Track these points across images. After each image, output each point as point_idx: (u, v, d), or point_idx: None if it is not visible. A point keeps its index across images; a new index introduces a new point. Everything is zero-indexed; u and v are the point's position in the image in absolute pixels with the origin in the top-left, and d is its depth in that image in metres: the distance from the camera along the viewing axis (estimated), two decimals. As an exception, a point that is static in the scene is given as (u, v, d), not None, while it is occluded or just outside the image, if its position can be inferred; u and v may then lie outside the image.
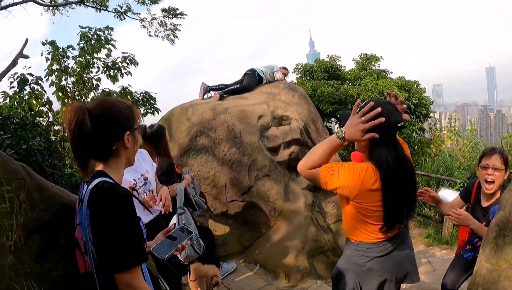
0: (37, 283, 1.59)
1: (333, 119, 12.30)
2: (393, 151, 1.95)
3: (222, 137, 5.49)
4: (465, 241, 3.03)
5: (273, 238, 5.14)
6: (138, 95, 8.74)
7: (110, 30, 8.43)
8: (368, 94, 10.73)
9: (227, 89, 6.35)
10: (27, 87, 7.45)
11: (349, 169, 1.92)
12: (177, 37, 12.20)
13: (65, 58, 7.97)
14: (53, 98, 8.03)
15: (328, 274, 4.79)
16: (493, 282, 1.76)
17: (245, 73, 6.69)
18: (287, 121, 6.04)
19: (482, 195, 2.90)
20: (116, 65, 8.27)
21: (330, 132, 13.26)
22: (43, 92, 7.64)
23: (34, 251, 1.63)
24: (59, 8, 11.52)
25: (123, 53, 8.42)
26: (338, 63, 12.86)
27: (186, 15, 11.87)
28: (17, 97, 7.39)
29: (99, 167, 1.62)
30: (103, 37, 8.19)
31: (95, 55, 8.20)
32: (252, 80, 6.62)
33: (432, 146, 11.80)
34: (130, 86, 8.63)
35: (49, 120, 8.08)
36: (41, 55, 7.83)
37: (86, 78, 8.19)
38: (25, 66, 7.67)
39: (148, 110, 8.89)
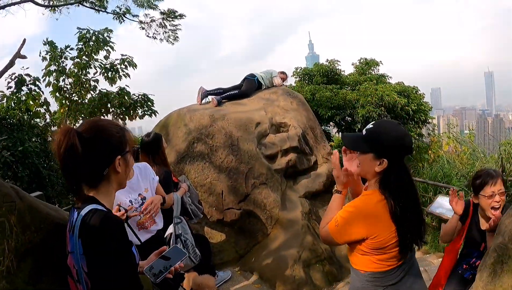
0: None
1: (331, 123, 12.28)
2: (404, 174, 1.89)
3: (219, 144, 5.46)
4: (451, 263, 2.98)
5: (270, 246, 5.11)
6: (136, 97, 8.73)
7: (109, 32, 8.42)
8: (367, 99, 10.71)
9: (226, 94, 6.32)
10: (24, 88, 7.43)
11: (360, 215, 1.87)
12: (177, 37, 12.21)
13: (63, 59, 7.95)
14: (50, 99, 8.02)
15: (324, 284, 4.77)
16: (489, 309, 1.74)
17: (245, 78, 6.66)
18: (285, 128, 6.01)
19: (481, 218, 2.83)
20: (114, 67, 8.26)
21: (328, 136, 13.26)
22: (41, 92, 7.63)
23: (27, 273, 1.60)
24: (57, 8, 11.51)
25: (122, 55, 8.40)
26: (337, 67, 12.82)
27: (185, 16, 11.87)
28: (14, 97, 7.36)
29: (90, 192, 1.56)
30: (101, 39, 8.17)
31: (94, 56, 8.19)
32: (251, 86, 6.58)
33: (430, 152, 11.78)
34: (128, 86, 8.62)
35: (46, 121, 8.07)
36: (39, 55, 7.82)
37: (83, 80, 8.18)
38: (22, 67, 7.66)
39: (146, 112, 8.88)
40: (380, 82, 12.05)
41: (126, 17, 11.68)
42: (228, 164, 5.36)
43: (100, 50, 8.11)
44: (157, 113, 8.77)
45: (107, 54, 8.23)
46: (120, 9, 11.52)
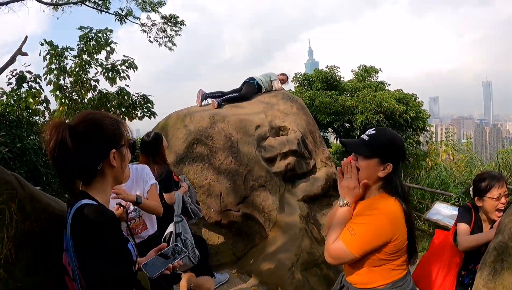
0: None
1: (330, 129, 12.31)
2: (399, 177, 1.94)
3: (219, 146, 5.46)
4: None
5: (267, 249, 5.10)
6: (136, 98, 8.73)
7: (109, 33, 8.44)
8: (366, 106, 10.75)
9: (225, 97, 6.33)
10: (25, 85, 7.43)
11: (386, 217, 1.84)
12: (175, 44, 12.24)
13: (63, 58, 7.96)
14: (51, 97, 8.03)
15: (321, 287, 4.75)
16: (490, 307, 1.74)
17: (244, 82, 6.67)
18: (285, 131, 6.03)
19: (484, 221, 2.83)
20: (115, 68, 8.28)
21: (327, 142, 13.29)
22: (41, 90, 7.63)
23: (25, 264, 1.57)
24: (60, 6, 11.55)
25: (124, 56, 8.42)
26: (336, 73, 12.87)
27: (185, 24, 11.93)
28: (14, 94, 7.36)
29: (83, 188, 1.52)
30: (102, 39, 8.19)
31: (95, 56, 8.20)
32: (251, 89, 6.59)
33: (427, 159, 11.82)
34: (128, 86, 8.63)
35: (46, 119, 8.07)
36: (39, 55, 7.83)
37: (84, 79, 8.19)
38: (24, 64, 7.67)
39: (145, 114, 8.88)
40: (379, 89, 12.11)
41: (128, 19, 11.73)
42: (227, 166, 5.35)
43: (101, 50, 8.13)
44: (156, 115, 8.78)
45: (108, 55, 8.25)
46: (123, 11, 11.58)
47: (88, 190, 1.50)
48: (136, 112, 8.75)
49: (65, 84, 8.04)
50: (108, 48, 8.22)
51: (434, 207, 6.58)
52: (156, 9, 11.74)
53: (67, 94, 8.11)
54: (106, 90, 8.39)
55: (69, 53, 8.06)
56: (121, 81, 8.35)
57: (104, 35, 8.27)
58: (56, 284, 1.64)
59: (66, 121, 1.48)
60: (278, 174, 5.55)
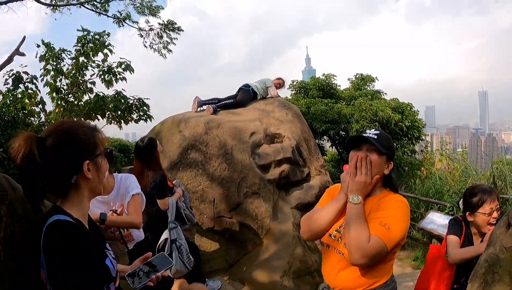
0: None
1: (325, 137, 12.35)
2: None
3: (213, 152, 5.46)
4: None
5: (260, 256, 5.08)
6: (132, 101, 8.71)
7: (107, 36, 8.43)
8: (361, 115, 10.81)
9: (221, 103, 6.34)
10: (21, 85, 7.40)
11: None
12: (170, 51, 12.23)
13: (59, 60, 7.94)
14: (47, 99, 7.99)
15: (313, 295, 4.75)
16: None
17: (240, 89, 6.68)
18: (280, 139, 6.03)
19: (474, 235, 2.80)
20: (112, 70, 8.26)
21: (322, 150, 13.32)
22: (37, 91, 7.60)
23: (14, 266, 1.57)
24: (59, 7, 11.56)
25: (121, 58, 8.41)
26: (333, 81, 12.94)
27: (182, 30, 11.94)
28: (10, 94, 7.32)
29: (58, 202, 1.45)
30: (100, 41, 8.18)
31: (92, 58, 8.19)
32: (247, 96, 6.60)
33: (422, 168, 11.88)
34: (124, 90, 8.61)
35: (41, 120, 8.03)
36: (36, 57, 7.80)
37: (80, 81, 8.16)
38: (21, 64, 7.64)
39: (141, 117, 8.85)
40: (375, 98, 12.19)
41: (126, 23, 11.73)
42: (221, 172, 5.35)
43: (99, 52, 8.11)
44: (153, 118, 8.74)
45: (105, 57, 8.23)
46: (121, 14, 11.59)
47: (63, 204, 1.43)
48: (132, 115, 8.72)
49: (61, 86, 8.00)
50: (105, 51, 8.21)
51: (428, 216, 6.60)
52: (154, 13, 11.75)
53: (63, 96, 8.07)
54: (102, 93, 8.36)
55: (67, 54, 8.03)
56: (117, 83, 8.32)
57: (102, 38, 8.25)
58: (45, 288, 1.62)
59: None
60: (272, 182, 5.55)
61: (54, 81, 7.81)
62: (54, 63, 7.79)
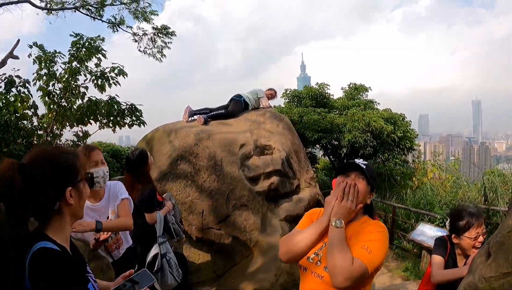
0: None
1: (317, 146, 12.36)
2: None
3: (203, 163, 5.46)
4: None
5: (248, 268, 5.08)
6: (124, 106, 8.70)
7: (101, 41, 8.42)
8: (354, 125, 10.83)
9: (212, 113, 6.35)
10: (13, 89, 7.38)
11: (386, 237, 1.93)
12: (164, 55, 12.23)
13: (52, 64, 7.92)
14: (39, 103, 7.97)
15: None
16: None
17: (231, 99, 6.69)
18: (270, 150, 6.04)
19: (459, 255, 2.82)
20: (105, 75, 8.25)
21: (314, 159, 13.35)
22: (30, 95, 7.57)
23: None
24: (53, 11, 11.54)
25: (113, 63, 8.40)
26: (326, 91, 12.97)
27: (175, 35, 11.95)
28: (3, 98, 7.30)
29: (40, 227, 1.46)
30: (93, 46, 8.17)
31: (85, 63, 8.17)
32: (238, 106, 6.62)
33: (414, 178, 11.89)
34: (118, 96, 8.60)
35: (33, 124, 8.00)
36: (29, 57, 7.79)
37: (73, 85, 8.14)
38: (14, 68, 7.62)
39: (134, 122, 8.83)
40: (368, 108, 12.22)
41: (120, 27, 11.73)
42: (210, 184, 5.35)
43: (92, 57, 8.10)
44: (146, 124, 8.74)
45: (98, 62, 8.22)
46: (116, 19, 11.58)
47: (45, 230, 1.44)
48: (125, 120, 8.71)
49: (54, 90, 7.98)
50: (98, 55, 8.20)
51: (418, 227, 6.65)
52: (149, 19, 11.75)
53: (56, 100, 8.04)
54: (95, 97, 8.34)
55: (60, 58, 8.01)
56: (110, 88, 8.31)
57: (95, 43, 8.24)
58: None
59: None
60: (261, 194, 5.56)
61: (46, 85, 7.79)
62: (48, 66, 7.77)
